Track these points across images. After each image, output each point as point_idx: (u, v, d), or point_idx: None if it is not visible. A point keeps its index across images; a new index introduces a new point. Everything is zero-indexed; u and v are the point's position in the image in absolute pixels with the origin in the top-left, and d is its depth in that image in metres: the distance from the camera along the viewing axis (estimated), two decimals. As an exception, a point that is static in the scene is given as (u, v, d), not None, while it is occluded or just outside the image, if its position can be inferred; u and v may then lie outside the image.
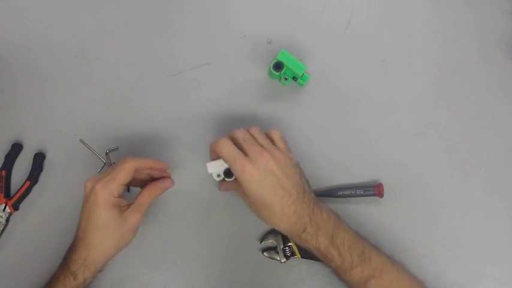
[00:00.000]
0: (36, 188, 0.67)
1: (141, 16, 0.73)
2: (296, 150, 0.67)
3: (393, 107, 0.69)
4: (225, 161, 0.56)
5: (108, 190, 0.54)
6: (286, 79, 0.67)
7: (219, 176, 0.59)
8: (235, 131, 0.57)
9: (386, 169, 0.67)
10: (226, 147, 0.55)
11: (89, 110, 0.70)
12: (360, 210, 0.64)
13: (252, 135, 0.57)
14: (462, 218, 0.66)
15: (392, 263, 0.56)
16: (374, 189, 0.64)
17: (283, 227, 0.56)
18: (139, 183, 0.61)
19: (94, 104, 0.70)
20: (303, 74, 0.66)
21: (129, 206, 0.57)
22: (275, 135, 0.59)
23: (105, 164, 0.68)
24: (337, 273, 0.57)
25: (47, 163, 0.68)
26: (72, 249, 0.56)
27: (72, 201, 0.66)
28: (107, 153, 0.68)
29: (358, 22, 0.72)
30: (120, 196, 0.56)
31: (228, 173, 0.59)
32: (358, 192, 0.65)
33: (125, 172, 0.55)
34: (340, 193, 0.65)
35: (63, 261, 0.57)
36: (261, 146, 0.56)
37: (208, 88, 0.70)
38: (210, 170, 0.59)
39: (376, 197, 0.65)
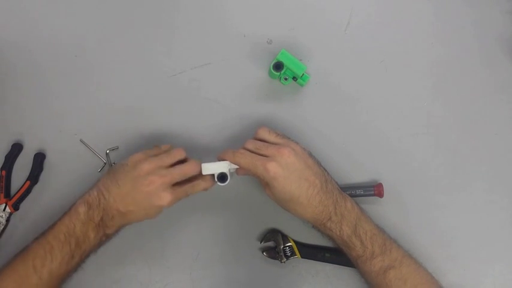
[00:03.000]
0: (36, 188, 0.67)
1: (141, 16, 0.73)
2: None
3: (393, 107, 0.69)
4: (247, 170, 0.57)
5: (173, 203, 0.56)
6: (286, 79, 0.67)
7: (212, 178, 0.60)
8: (245, 144, 0.59)
9: (386, 169, 0.67)
10: (243, 157, 0.57)
11: (89, 110, 0.70)
12: (360, 210, 0.64)
13: (263, 139, 0.59)
14: (462, 218, 0.66)
15: (411, 256, 0.58)
16: (374, 189, 0.64)
17: (309, 216, 0.57)
18: None
19: (94, 104, 0.70)
20: (303, 74, 0.66)
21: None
22: (279, 132, 0.61)
23: (105, 164, 0.68)
24: (357, 262, 0.58)
25: (47, 163, 0.68)
26: (107, 217, 0.56)
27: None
28: (107, 153, 0.68)
29: (358, 22, 0.72)
30: None
31: (221, 177, 0.59)
32: (358, 192, 0.64)
33: (189, 194, 0.58)
34: (340, 193, 0.65)
35: (93, 223, 0.55)
36: (276, 143, 0.58)
37: (208, 88, 0.70)
38: (204, 172, 0.60)
39: (376, 197, 0.65)
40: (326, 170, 0.60)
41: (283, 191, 0.55)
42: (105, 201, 0.55)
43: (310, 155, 0.59)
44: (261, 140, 0.59)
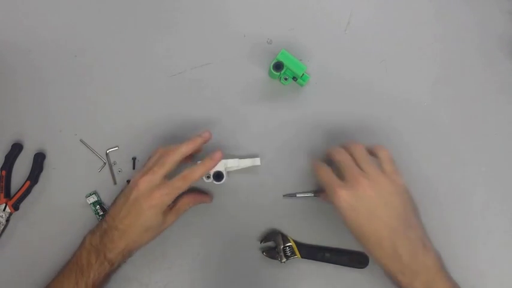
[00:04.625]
0: (36, 188, 0.67)
1: (141, 16, 0.73)
2: (296, 150, 0.67)
3: (393, 106, 0.69)
4: (322, 185, 0.56)
5: (167, 201, 0.56)
6: (286, 79, 0.67)
7: (208, 177, 0.61)
8: (334, 154, 0.56)
9: (386, 169, 0.67)
10: (323, 172, 0.56)
11: (89, 110, 0.70)
12: (360, 210, 0.64)
13: (352, 155, 0.56)
14: (462, 217, 0.66)
15: None
16: (374, 189, 0.64)
17: (377, 258, 0.52)
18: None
19: (94, 104, 0.70)
20: (303, 74, 0.66)
21: (170, 208, 0.59)
22: (382, 154, 0.56)
23: (105, 163, 0.68)
24: None
25: (47, 163, 0.68)
26: (107, 238, 0.56)
27: (72, 201, 0.67)
28: (107, 154, 0.68)
29: (358, 22, 0.72)
30: None
31: (217, 176, 0.60)
32: (358, 192, 0.64)
33: (184, 188, 0.57)
34: (340, 193, 0.65)
35: (94, 248, 0.56)
36: (362, 169, 0.54)
37: (209, 88, 0.70)
38: None
39: (376, 197, 0.65)
40: (418, 213, 0.54)
41: (349, 222, 0.52)
42: (106, 223, 0.57)
43: (402, 193, 0.53)
44: (350, 154, 0.56)
